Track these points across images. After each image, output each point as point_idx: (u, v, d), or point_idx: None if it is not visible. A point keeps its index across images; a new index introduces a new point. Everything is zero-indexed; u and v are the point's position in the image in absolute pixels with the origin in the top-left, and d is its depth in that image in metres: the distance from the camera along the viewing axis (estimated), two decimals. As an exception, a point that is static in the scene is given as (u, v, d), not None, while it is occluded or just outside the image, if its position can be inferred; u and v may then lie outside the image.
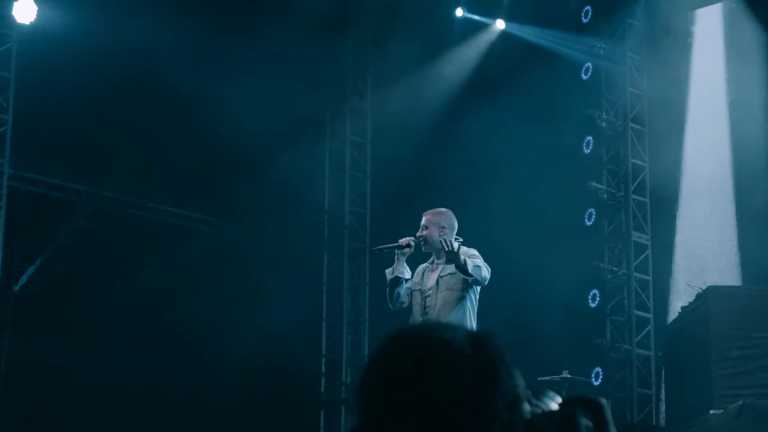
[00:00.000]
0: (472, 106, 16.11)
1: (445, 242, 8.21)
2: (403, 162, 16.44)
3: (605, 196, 16.63)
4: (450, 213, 8.91)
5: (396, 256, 8.81)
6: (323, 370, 17.19)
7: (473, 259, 8.45)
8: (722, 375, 10.52)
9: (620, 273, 16.37)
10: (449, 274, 8.60)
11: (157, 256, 15.85)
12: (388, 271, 8.87)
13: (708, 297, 10.98)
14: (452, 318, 8.47)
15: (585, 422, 1.75)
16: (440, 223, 8.78)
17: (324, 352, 17.23)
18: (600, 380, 15.52)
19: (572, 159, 16.16)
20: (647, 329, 16.16)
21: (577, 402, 1.78)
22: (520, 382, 1.74)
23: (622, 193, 16.58)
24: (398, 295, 8.71)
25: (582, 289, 15.72)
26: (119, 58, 14.61)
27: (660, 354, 12.99)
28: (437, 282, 8.61)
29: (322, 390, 17.15)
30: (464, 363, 1.70)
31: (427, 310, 8.63)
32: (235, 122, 15.05)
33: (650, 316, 16.17)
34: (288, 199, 16.24)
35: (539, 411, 1.76)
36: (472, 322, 8.60)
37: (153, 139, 15.36)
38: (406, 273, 8.76)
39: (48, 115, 14.26)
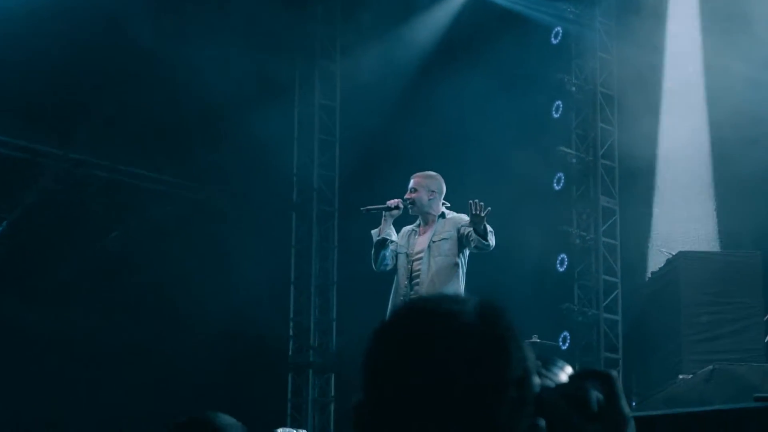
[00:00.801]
0: (441, 69, 16.01)
1: (477, 205, 8.09)
2: (372, 126, 16.33)
3: (574, 160, 16.59)
4: (439, 177, 8.81)
5: (383, 217, 8.70)
6: (291, 334, 17.14)
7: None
8: (692, 340, 10.52)
9: (588, 238, 16.37)
10: (443, 239, 8.50)
11: (124, 218, 15.75)
12: (374, 232, 8.77)
13: (678, 262, 10.95)
14: (446, 283, 8.40)
15: (596, 395, 1.69)
16: (430, 186, 8.68)
17: (292, 316, 17.17)
18: (567, 344, 15.54)
19: (541, 123, 16.10)
20: (615, 294, 16.18)
21: (588, 375, 1.72)
22: (530, 356, 1.68)
23: (590, 158, 16.56)
24: (384, 257, 8.62)
25: (550, 254, 15.69)
26: (86, 19, 14.41)
27: (628, 319, 13.00)
28: (429, 247, 8.53)
29: (290, 353, 17.11)
30: (472, 336, 1.63)
31: (414, 274, 8.54)
32: (203, 85, 14.89)
33: (617, 280, 16.19)
34: (256, 161, 16.12)
35: (549, 384, 1.70)
36: (462, 288, 8.55)
37: (120, 101, 15.22)
38: (393, 235, 8.67)
39: (14, 77, 14.07)
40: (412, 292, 8.49)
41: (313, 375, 16.98)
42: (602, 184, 16.47)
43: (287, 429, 6.99)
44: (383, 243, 8.62)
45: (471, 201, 8.12)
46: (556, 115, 16.48)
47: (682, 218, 12.47)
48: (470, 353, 1.62)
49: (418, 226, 8.74)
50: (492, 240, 8.24)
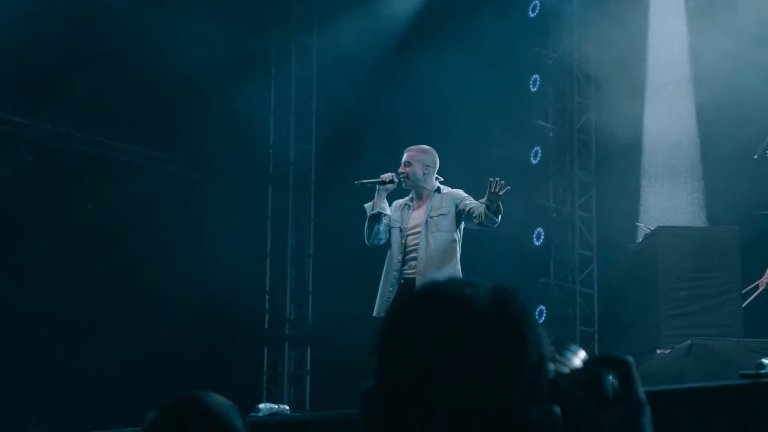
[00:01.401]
0: (419, 43, 15.91)
1: (497, 184, 8.01)
2: (349, 100, 16.24)
3: (551, 134, 16.59)
4: (434, 151, 8.68)
5: (377, 191, 8.56)
6: (267, 307, 17.08)
7: (474, 201, 8.37)
8: (669, 315, 10.51)
9: (565, 211, 16.38)
10: (441, 215, 8.41)
11: (100, 191, 15.65)
12: (367, 205, 8.65)
13: (656, 237, 10.92)
14: (444, 259, 8.33)
15: (611, 381, 1.66)
16: (424, 160, 8.56)
17: (268, 288, 17.11)
18: (543, 318, 15.56)
19: (519, 97, 16.06)
20: (590, 268, 16.21)
21: (604, 360, 1.68)
22: (546, 341, 1.64)
23: (567, 132, 16.55)
24: (378, 231, 8.50)
25: (527, 228, 15.67)
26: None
27: (606, 293, 13.01)
28: (426, 222, 8.46)
29: (266, 326, 17.06)
30: (487, 322, 1.59)
31: (408, 249, 8.46)
32: (180, 57, 14.76)
33: (593, 254, 16.21)
34: (233, 134, 16.01)
35: (563, 369, 1.66)
36: (458, 264, 8.49)
37: (96, 73, 15.11)
38: (387, 209, 8.58)
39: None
40: (405, 267, 8.42)
41: (289, 348, 16.94)
42: (579, 158, 16.45)
43: (268, 404, 6.94)
44: (377, 217, 8.51)
45: (491, 179, 8.05)
46: (533, 89, 16.44)
47: (662, 193, 12.46)
48: (485, 339, 1.58)
49: (411, 200, 8.64)
50: (500, 218, 8.24)
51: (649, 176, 12.35)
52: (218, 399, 2.91)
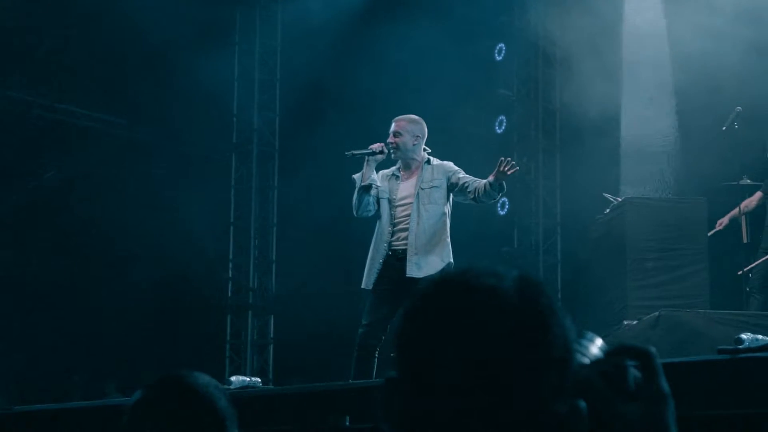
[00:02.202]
0: (384, 12, 15.75)
1: (508, 163, 7.84)
2: (314, 69, 16.10)
3: (515, 104, 16.57)
4: (423, 121, 8.50)
5: (366, 162, 8.35)
6: (230, 275, 16.99)
7: (468, 175, 8.30)
8: (637, 286, 10.48)
9: (529, 181, 16.38)
10: (433, 187, 8.27)
11: (61, 157, 15.51)
12: (356, 176, 8.48)
13: (624, 208, 10.88)
14: (436, 232, 8.22)
15: (633, 372, 1.60)
16: (414, 131, 8.38)
17: (231, 257, 17.01)
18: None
19: (484, 66, 16.00)
20: (554, 238, 16.23)
21: (625, 351, 1.62)
22: (572, 334, 1.57)
23: (532, 101, 16.54)
24: (368, 202, 8.34)
25: (491, 197, 15.63)
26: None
27: (572, 264, 12.99)
28: (418, 194, 8.38)
29: (229, 294, 16.97)
30: (513, 314, 1.52)
31: (397, 221, 8.35)
32: (143, 24, 14.55)
33: (557, 224, 16.23)
34: (196, 101, 15.86)
35: (583, 360, 1.60)
36: (449, 237, 8.40)
37: (60, 40, 14.96)
38: (378, 180, 8.45)
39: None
40: (394, 239, 8.32)
41: (253, 317, 16.88)
42: (544, 128, 16.46)
43: (240, 377, 6.86)
44: (368, 188, 8.35)
45: (503, 158, 7.94)
46: (499, 58, 16.40)
47: (630, 165, 12.44)
48: (511, 331, 1.51)
49: (399, 170, 8.50)
50: (500, 196, 8.21)
51: (616, 146, 12.31)
52: (202, 378, 2.85)
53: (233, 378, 6.91)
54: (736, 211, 10.79)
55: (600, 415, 1.55)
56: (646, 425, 1.59)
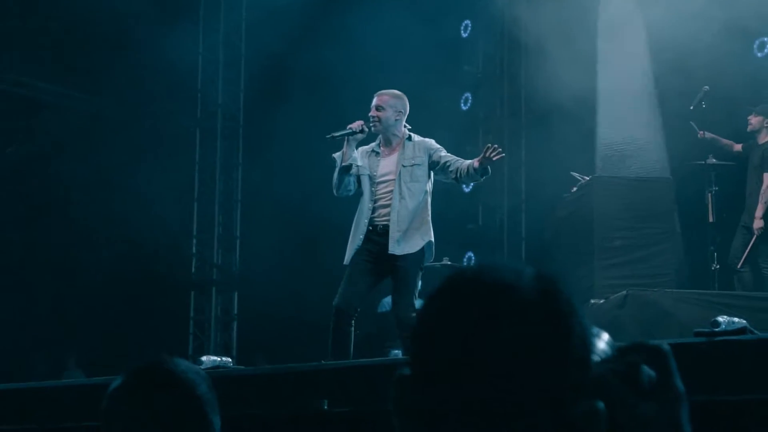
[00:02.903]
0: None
1: (495, 150, 7.77)
2: (279, 46, 15.95)
3: (481, 81, 16.51)
4: (405, 97, 8.39)
5: (346, 141, 8.26)
6: (194, 251, 16.88)
7: (450, 154, 8.25)
8: (604, 265, 10.44)
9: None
10: (415, 164, 8.14)
11: (25, 131, 15.37)
12: (336, 155, 8.34)
13: (592, 187, 10.84)
14: (418, 210, 8.14)
15: (647, 372, 1.54)
16: (397, 106, 8.25)
17: (195, 233, 16.89)
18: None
19: (450, 43, 15.93)
20: (519, 216, 16.18)
21: (637, 348, 1.57)
22: (591, 333, 1.52)
23: (497, 78, 16.48)
24: (348, 182, 8.23)
25: (457, 174, 15.58)
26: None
27: (539, 242, 12.95)
28: (399, 173, 8.24)
29: (193, 271, 16.86)
30: (531, 313, 1.47)
31: (377, 197, 8.26)
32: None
33: (522, 202, 16.18)
34: (161, 77, 15.70)
35: (594, 358, 1.55)
36: (430, 215, 8.33)
37: (23, 14, 14.78)
38: (358, 159, 8.34)
39: None
40: (375, 215, 8.24)
41: (216, 293, 16.78)
42: (509, 107, 16.40)
43: (211, 357, 6.78)
44: (348, 168, 8.24)
45: (489, 145, 7.90)
46: (464, 35, 16.32)
47: (600, 144, 12.39)
48: (530, 331, 1.46)
49: (379, 146, 8.40)
50: (488, 175, 8.13)
51: (586, 125, 12.26)
52: (183, 365, 2.78)
53: (204, 358, 6.83)
54: (762, 208, 10.85)
55: (614, 415, 1.50)
56: (662, 426, 1.54)
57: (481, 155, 7.90)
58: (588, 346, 1.49)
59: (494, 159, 7.81)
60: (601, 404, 1.46)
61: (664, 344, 1.58)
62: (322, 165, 15.22)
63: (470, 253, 15.57)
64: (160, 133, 16.02)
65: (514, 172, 16.18)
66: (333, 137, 8.33)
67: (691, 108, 10.54)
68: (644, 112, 12.03)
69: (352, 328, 8.09)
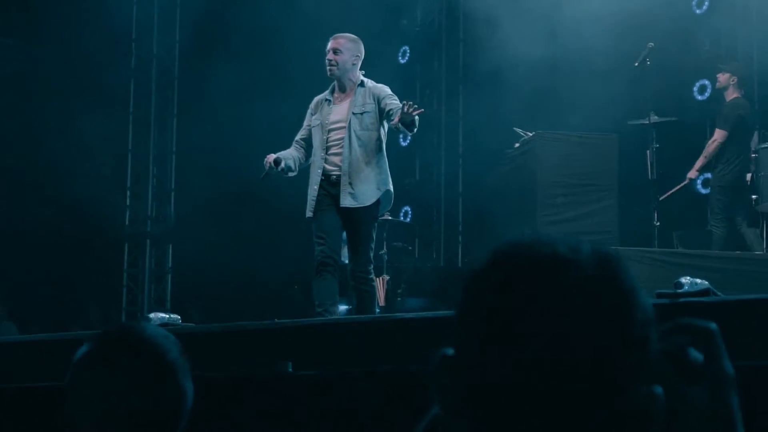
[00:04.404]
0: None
1: (410, 106, 7.52)
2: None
3: (419, 35, 16.37)
4: (361, 42, 8.22)
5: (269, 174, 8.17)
6: (128, 203, 16.58)
7: (395, 101, 7.96)
8: (547, 221, 10.34)
9: (432, 113, 16.24)
10: (365, 112, 7.92)
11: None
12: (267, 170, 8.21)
13: (535, 143, 10.73)
14: (371, 157, 7.93)
15: (694, 354, 1.41)
16: (353, 50, 8.02)
17: (129, 185, 16.59)
18: (409, 218, 15.43)
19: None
20: (456, 171, 16.10)
21: (684, 329, 1.44)
22: (652, 313, 1.38)
23: (435, 31, 16.35)
24: (289, 168, 8.11)
25: (391, 129, 15.44)
26: None
27: (481, 197, 12.83)
28: (350, 121, 7.98)
29: (127, 223, 16.58)
30: (591, 289, 1.34)
31: (329, 145, 8.05)
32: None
33: (459, 157, 16.08)
34: (94, 26, 15.37)
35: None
36: (386, 162, 8.15)
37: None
38: (285, 161, 8.12)
39: None
40: (327, 164, 8.02)
41: (150, 246, 16.53)
42: (447, 60, 16.28)
43: (159, 314, 6.59)
44: (284, 170, 8.14)
45: (405, 102, 7.66)
46: (403, -13, 16.16)
47: (541, 100, 12.30)
48: (590, 308, 1.33)
49: (332, 93, 8.18)
50: (415, 129, 7.89)
51: (528, 81, 12.15)
52: (152, 330, 2.61)
53: (151, 315, 6.64)
54: (702, 161, 10.91)
55: (667, 403, 1.37)
56: (713, 411, 1.44)
57: (399, 113, 7.70)
58: (649, 326, 1.36)
59: (414, 114, 7.59)
60: (659, 389, 1.34)
61: (712, 324, 1.45)
62: (258, 117, 15.07)
63: (407, 208, 15.47)
64: (93, 83, 15.66)
65: (451, 128, 16.08)
66: (263, 178, 8.19)
67: (636, 65, 10.46)
68: (587, 70, 11.98)
69: (336, 279, 7.91)
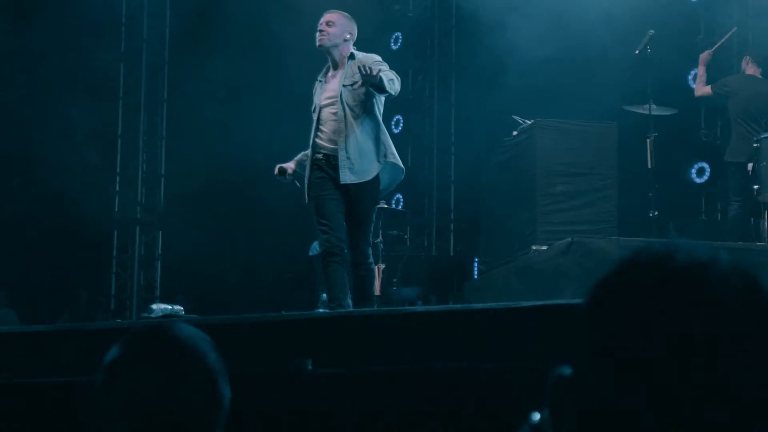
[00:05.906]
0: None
1: (365, 69, 7.31)
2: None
3: (411, 20, 16.25)
4: (355, 23, 8.05)
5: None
6: (117, 189, 16.41)
7: (385, 72, 7.65)
8: (545, 210, 10.23)
9: (424, 100, 16.16)
10: (354, 83, 7.57)
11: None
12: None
13: (533, 131, 10.61)
14: (366, 132, 7.70)
15: None
16: (346, 27, 7.75)
17: (118, 170, 16.41)
18: (401, 205, 15.33)
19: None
20: (448, 158, 16.01)
21: None
22: None
23: (427, 17, 16.25)
24: (297, 175, 8.00)
25: (386, 115, 15.32)
26: None
27: (479, 186, 12.69)
28: (341, 93, 7.65)
29: (116, 209, 16.41)
30: (736, 304, 1.27)
31: (321, 121, 7.85)
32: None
33: (452, 144, 16.00)
34: (83, 8, 15.19)
35: None
36: (383, 134, 7.91)
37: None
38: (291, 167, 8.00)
39: None
40: (322, 141, 7.78)
41: (140, 232, 16.37)
42: (440, 45, 16.18)
43: (162, 305, 6.47)
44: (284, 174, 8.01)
45: (359, 66, 7.49)
46: (395, -26, 16.04)
47: (539, 87, 12.18)
48: (735, 324, 1.26)
49: (325, 74, 7.99)
50: (393, 88, 7.56)
51: (521, 68, 12.03)
52: (187, 330, 2.48)
53: (154, 306, 6.50)
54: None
55: None
56: None
57: (362, 79, 7.49)
58: None
59: (374, 74, 7.35)
60: None
61: None
62: (249, 102, 14.93)
63: (398, 195, 15.37)
64: (83, 68, 15.49)
65: (443, 115, 16.00)
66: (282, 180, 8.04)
67: (637, 52, 10.33)
68: (582, 57, 11.90)
69: (345, 266, 7.66)
